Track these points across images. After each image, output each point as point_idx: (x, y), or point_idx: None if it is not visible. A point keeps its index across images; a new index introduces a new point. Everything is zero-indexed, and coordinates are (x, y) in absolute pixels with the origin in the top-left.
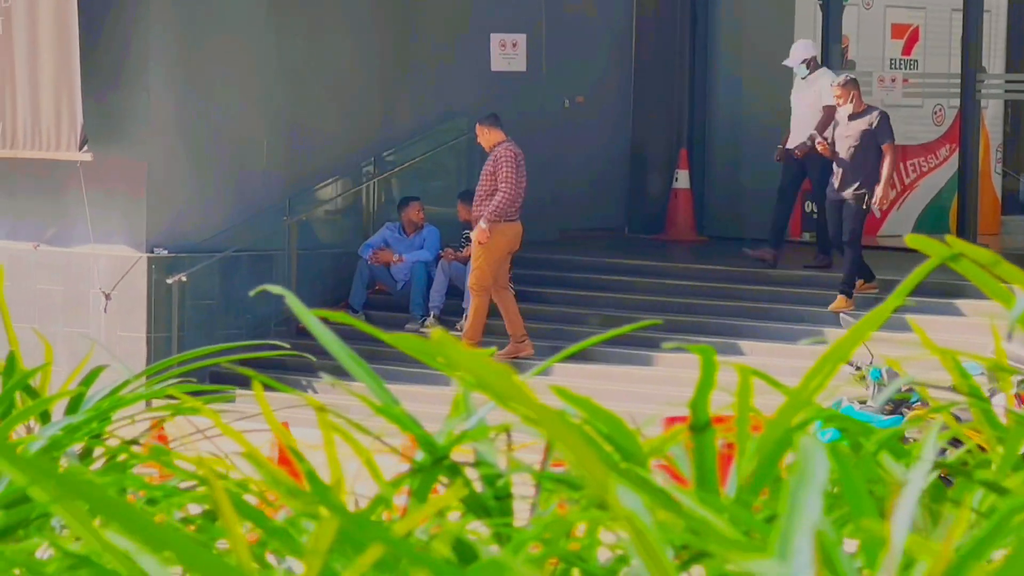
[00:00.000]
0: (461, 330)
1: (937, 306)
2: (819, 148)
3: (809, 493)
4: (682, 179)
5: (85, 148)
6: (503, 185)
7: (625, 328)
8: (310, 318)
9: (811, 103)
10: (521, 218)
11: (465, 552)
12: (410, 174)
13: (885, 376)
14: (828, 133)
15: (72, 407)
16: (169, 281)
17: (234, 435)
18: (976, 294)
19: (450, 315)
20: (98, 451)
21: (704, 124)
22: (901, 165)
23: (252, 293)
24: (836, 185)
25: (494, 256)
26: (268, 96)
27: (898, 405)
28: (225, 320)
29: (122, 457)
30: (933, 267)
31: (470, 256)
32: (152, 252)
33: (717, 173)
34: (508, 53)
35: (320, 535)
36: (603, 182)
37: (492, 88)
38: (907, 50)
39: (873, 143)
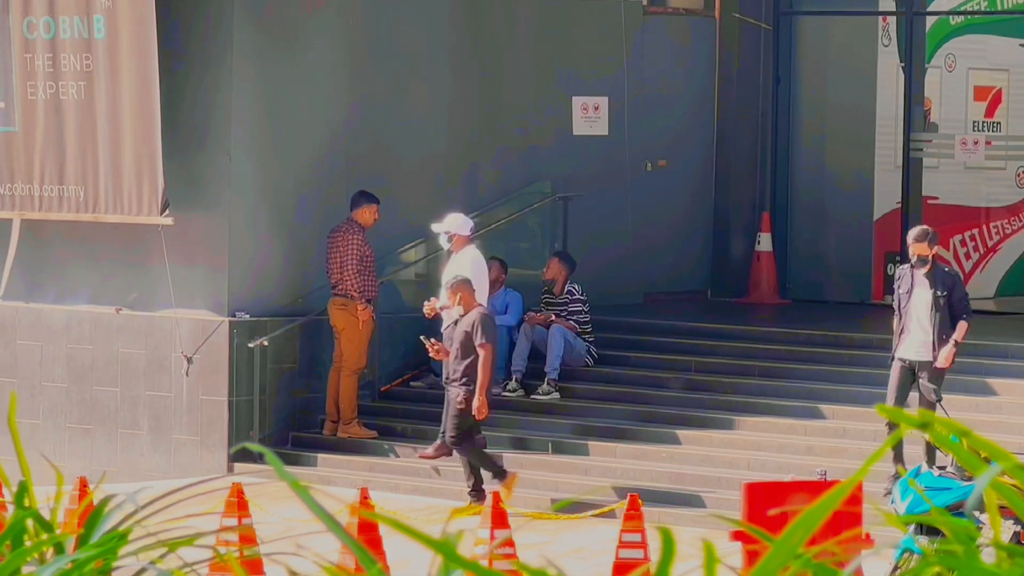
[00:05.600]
0: (543, 395)
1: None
2: (431, 352)
3: None
4: (765, 242)
5: (167, 212)
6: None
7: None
8: (284, 472)
9: None
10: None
11: None
12: (493, 237)
13: (964, 441)
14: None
15: (84, 538)
16: (251, 345)
17: None
18: None
19: (532, 379)
20: None
21: (787, 187)
22: (984, 227)
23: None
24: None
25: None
26: (350, 159)
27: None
28: (306, 384)
29: None
30: (901, 436)
31: (551, 318)
32: (234, 316)
33: (800, 236)
34: (590, 116)
35: None
36: (686, 245)
37: (575, 151)
38: (990, 112)
39: (472, 345)
